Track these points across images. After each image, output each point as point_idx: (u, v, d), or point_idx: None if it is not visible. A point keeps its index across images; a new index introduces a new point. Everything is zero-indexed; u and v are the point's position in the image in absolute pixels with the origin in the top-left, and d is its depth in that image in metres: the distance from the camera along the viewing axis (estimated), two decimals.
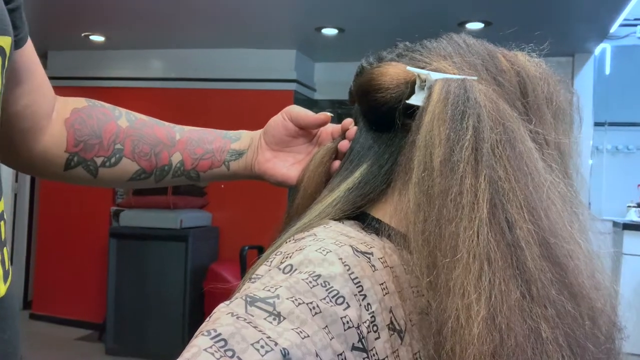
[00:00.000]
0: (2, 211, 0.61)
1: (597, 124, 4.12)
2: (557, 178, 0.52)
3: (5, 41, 0.60)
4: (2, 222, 0.60)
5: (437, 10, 3.14)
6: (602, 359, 0.47)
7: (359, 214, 0.59)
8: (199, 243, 3.97)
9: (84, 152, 0.78)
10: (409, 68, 0.57)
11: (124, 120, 0.80)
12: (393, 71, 0.57)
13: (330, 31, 3.73)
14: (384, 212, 0.59)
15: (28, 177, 4.99)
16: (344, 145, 0.67)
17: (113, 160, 0.79)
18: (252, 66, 4.22)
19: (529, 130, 0.54)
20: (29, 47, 0.71)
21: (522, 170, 0.49)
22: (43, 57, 4.81)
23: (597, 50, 4.02)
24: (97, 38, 4.20)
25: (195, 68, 4.34)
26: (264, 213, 3.69)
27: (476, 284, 0.45)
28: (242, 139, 0.83)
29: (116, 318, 3.95)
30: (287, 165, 0.77)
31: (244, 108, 4.13)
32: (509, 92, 0.58)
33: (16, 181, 5.01)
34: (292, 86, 4.25)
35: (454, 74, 0.55)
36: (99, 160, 0.78)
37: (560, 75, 0.63)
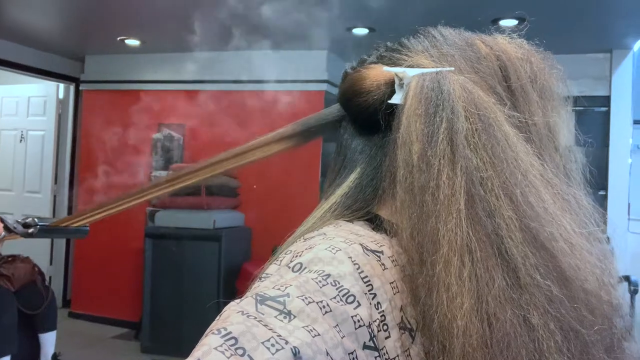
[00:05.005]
0: None
1: (636, 122, 4.00)
2: (537, 160, 0.52)
3: None
4: None
5: (470, 7, 3.10)
6: (596, 340, 0.47)
7: (368, 213, 0.58)
8: (232, 243, 4.01)
9: None
10: (385, 68, 0.57)
11: None
12: (373, 74, 0.57)
13: (361, 31, 3.72)
14: (389, 211, 0.58)
15: (67, 179, 5.12)
16: None
17: None
18: (284, 67, 4.24)
19: (509, 115, 0.54)
20: None
21: (499, 157, 0.49)
22: (80, 61, 4.94)
23: (636, 46, 3.90)
24: (133, 42, 4.28)
25: (228, 70, 4.39)
26: (295, 213, 3.70)
27: (458, 276, 0.45)
28: None
29: (151, 317, 4.02)
30: None
31: (277, 109, 4.15)
32: (488, 78, 0.57)
33: (55, 183, 5.14)
34: (324, 87, 4.26)
35: (432, 67, 0.55)
36: None
37: (543, 52, 0.62)
